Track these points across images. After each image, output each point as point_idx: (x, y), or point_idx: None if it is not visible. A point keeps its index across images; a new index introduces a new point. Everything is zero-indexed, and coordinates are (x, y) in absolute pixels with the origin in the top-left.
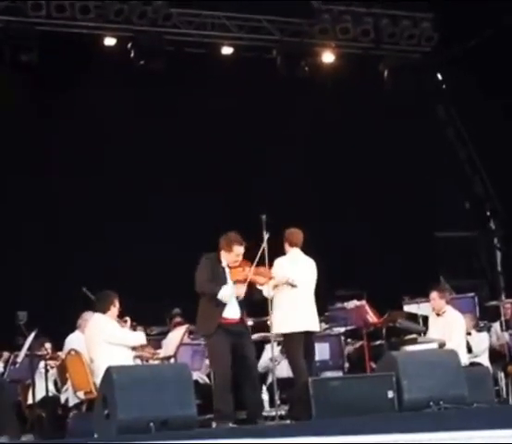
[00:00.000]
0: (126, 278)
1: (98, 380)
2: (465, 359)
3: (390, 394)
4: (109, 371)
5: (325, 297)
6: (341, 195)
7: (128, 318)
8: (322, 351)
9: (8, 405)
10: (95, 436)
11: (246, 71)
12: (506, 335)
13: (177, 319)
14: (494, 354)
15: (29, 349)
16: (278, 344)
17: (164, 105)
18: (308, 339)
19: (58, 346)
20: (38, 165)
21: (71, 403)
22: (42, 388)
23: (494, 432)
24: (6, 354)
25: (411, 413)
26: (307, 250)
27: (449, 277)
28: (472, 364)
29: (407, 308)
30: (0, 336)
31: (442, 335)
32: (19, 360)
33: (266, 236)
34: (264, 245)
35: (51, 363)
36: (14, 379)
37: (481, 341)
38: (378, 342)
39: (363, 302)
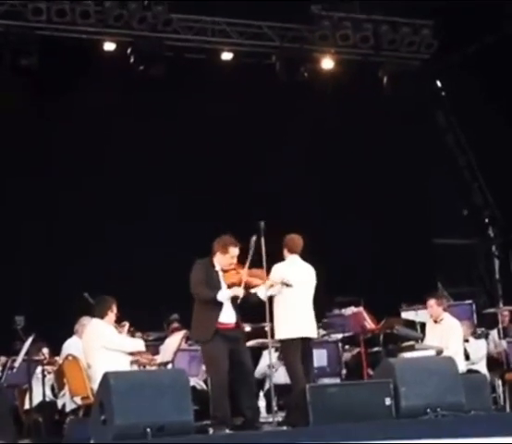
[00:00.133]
0: (124, 283)
1: (95, 386)
2: (462, 366)
3: (387, 401)
4: (106, 376)
5: (323, 303)
6: (340, 201)
7: (126, 323)
8: (319, 358)
9: (5, 410)
10: (92, 441)
11: (246, 77)
12: (504, 342)
13: (175, 325)
14: (492, 362)
15: (26, 354)
16: (276, 350)
17: (164, 111)
18: (306, 345)
19: (56, 351)
20: (37, 168)
21: (68, 409)
22: (39, 393)
23: (491, 439)
24: (3, 359)
25: (408, 420)
26: (305, 256)
27: (447, 284)
28: (470, 372)
29: (404, 315)
30: None
31: (439, 342)
32: (17, 365)
33: (253, 239)
34: (252, 245)
35: (48, 368)
36: (11, 384)
37: (479, 349)
38: (375, 349)
39: (361, 309)
